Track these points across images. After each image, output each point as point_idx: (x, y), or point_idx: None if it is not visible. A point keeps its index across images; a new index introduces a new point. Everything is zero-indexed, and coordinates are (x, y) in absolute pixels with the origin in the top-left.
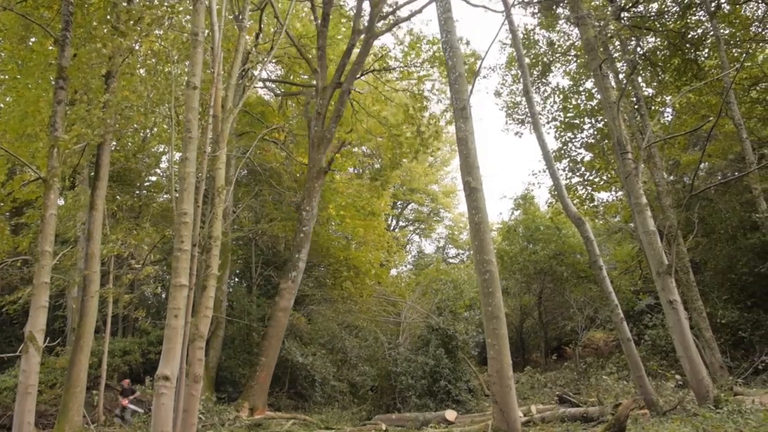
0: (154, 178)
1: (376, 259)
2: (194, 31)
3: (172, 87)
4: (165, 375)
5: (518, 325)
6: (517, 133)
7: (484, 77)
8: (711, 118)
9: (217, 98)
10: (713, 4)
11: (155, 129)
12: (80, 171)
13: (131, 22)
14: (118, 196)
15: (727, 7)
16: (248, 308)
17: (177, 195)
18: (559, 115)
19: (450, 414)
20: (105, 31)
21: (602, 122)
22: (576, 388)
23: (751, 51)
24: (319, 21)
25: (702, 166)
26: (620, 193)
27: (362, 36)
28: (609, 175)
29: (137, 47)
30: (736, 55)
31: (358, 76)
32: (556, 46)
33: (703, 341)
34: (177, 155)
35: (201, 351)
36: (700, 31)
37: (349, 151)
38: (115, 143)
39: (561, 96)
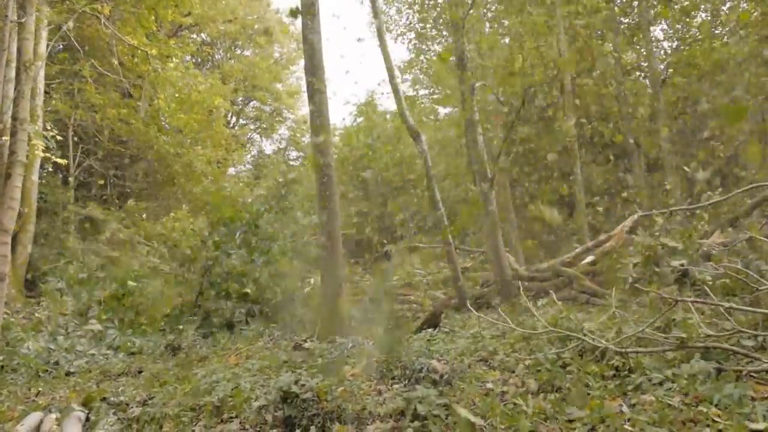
0: None
1: (212, 157)
2: None
3: None
4: None
5: (353, 227)
6: (359, 39)
7: None
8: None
9: None
10: None
11: None
12: None
13: None
14: None
15: None
16: (63, 201)
17: None
18: (419, 25)
19: None
20: None
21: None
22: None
23: None
24: None
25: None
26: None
27: None
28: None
29: None
30: None
31: None
32: None
33: (512, 246)
34: None
35: (6, 246)
36: None
37: (186, 38)
38: None
39: (417, 6)
